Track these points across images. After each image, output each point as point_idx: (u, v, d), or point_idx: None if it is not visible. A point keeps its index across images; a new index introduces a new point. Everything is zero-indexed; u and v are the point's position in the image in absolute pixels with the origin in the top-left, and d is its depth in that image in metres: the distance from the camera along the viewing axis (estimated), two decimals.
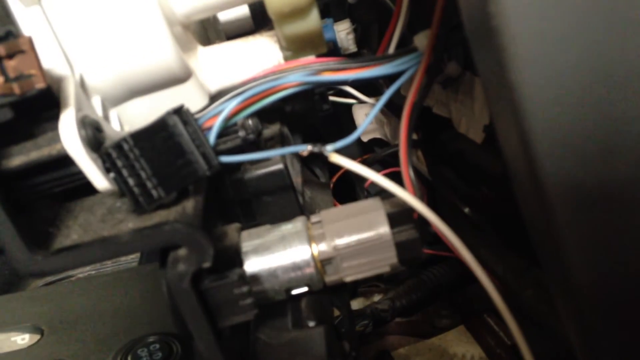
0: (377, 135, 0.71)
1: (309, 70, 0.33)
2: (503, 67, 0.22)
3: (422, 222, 0.34)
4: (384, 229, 0.33)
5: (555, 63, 0.21)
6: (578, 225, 0.25)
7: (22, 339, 0.46)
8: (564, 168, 0.24)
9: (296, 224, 0.34)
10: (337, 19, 0.57)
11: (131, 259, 0.65)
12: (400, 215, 0.34)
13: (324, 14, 0.36)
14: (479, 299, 0.63)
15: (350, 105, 0.71)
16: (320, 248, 0.33)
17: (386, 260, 0.33)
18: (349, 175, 0.69)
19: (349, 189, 0.71)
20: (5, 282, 0.71)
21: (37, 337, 0.46)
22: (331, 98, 0.63)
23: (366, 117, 0.35)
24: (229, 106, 0.32)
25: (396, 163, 0.36)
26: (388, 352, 0.59)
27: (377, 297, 0.67)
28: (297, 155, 0.51)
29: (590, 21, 0.21)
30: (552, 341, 0.39)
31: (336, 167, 0.66)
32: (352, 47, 0.58)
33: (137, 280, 0.50)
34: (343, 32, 0.57)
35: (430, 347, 0.61)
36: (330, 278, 0.34)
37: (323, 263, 0.33)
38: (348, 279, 0.34)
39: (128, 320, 0.45)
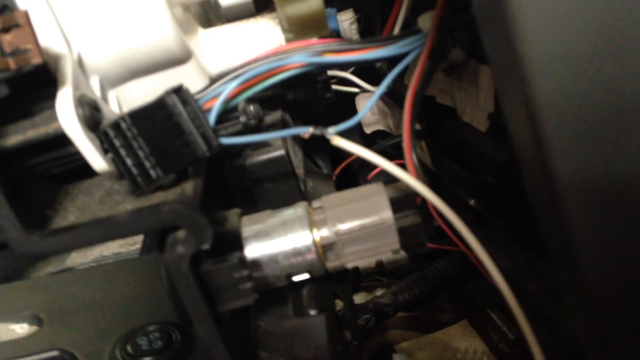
0: (381, 127, 0.71)
1: (311, 51, 0.32)
2: (511, 39, 0.22)
3: (426, 215, 0.33)
4: (387, 213, 0.32)
5: (563, 33, 0.21)
6: (588, 213, 0.24)
7: (21, 328, 0.45)
8: (573, 150, 0.23)
9: (297, 209, 0.34)
10: (341, 8, 0.57)
11: (132, 251, 0.65)
12: (403, 200, 0.33)
13: (327, 3, 0.35)
14: (481, 293, 0.63)
15: (353, 95, 0.71)
16: (322, 233, 0.32)
17: (389, 246, 0.33)
18: (352, 167, 0.69)
19: (351, 181, 0.71)
20: (6, 277, 0.71)
21: (36, 326, 0.45)
22: (334, 87, 0.63)
23: None
24: (228, 87, 0.31)
25: (399, 155, 0.36)
26: (390, 345, 0.58)
27: (379, 292, 0.67)
28: (299, 144, 0.50)
29: None
30: (556, 334, 0.39)
31: (339, 160, 0.66)
32: (356, 37, 0.57)
33: (137, 270, 0.50)
34: (346, 21, 0.56)
35: (433, 341, 0.61)
36: (331, 264, 0.33)
37: (324, 249, 0.33)
38: (350, 264, 0.33)
39: (128, 309, 0.45)
